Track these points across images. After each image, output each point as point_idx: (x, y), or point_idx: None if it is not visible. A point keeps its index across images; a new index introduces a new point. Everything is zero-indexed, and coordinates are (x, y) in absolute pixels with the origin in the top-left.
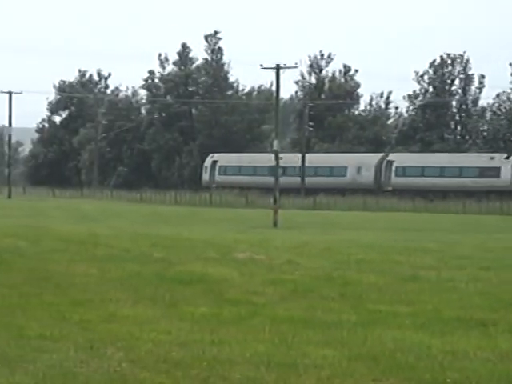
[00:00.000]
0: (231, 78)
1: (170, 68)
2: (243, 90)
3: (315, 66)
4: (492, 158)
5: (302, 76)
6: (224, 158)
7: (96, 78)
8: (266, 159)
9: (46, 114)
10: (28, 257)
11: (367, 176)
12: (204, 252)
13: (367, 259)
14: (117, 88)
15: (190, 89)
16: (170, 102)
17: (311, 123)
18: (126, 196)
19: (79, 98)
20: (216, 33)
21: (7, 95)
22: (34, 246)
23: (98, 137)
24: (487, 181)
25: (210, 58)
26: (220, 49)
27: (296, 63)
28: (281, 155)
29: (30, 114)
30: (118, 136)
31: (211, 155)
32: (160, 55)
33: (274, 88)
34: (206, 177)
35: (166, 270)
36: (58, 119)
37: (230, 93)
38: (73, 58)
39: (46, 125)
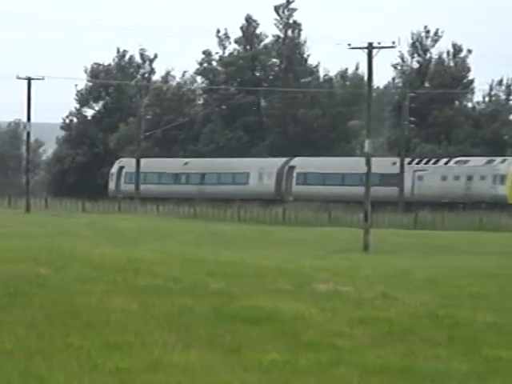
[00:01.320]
0: (310, 61)
1: (231, 48)
2: (325, 76)
3: (418, 46)
4: (394, 164)
5: (402, 58)
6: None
7: (138, 59)
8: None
9: (74, 105)
10: (51, 287)
11: (268, 184)
12: (274, 282)
13: (482, 293)
14: (165, 73)
15: (258, 74)
16: (231, 91)
17: (412, 118)
18: (176, 211)
19: (117, 86)
20: (289, 2)
21: (25, 82)
22: (58, 273)
23: (141, 135)
24: (387, 190)
25: (282, 35)
26: (295, 23)
27: (393, 42)
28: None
29: (54, 106)
30: (166, 134)
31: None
32: (218, 31)
33: (364, 74)
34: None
35: (225, 306)
36: (89, 113)
37: (308, 80)
38: (109, 34)
39: (75, 120)
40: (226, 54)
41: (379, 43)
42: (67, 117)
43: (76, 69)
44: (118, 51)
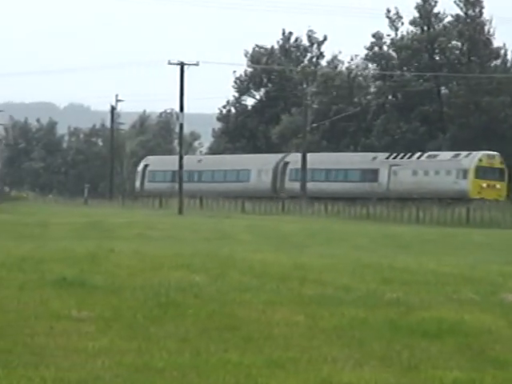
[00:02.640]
0: (495, 43)
1: (404, 29)
2: None
3: None
4: (374, 159)
5: None
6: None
7: (306, 42)
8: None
9: (232, 94)
10: (207, 298)
11: (265, 181)
12: (457, 291)
13: None
14: (334, 57)
15: (437, 58)
16: (407, 77)
17: None
18: (347, 211)
19: (281, 72)
20: None
21: (178, 68)
22: (215, 282)
23: (308, 127)
24: (367, 185)
25: (463, 14)
26: (477, 0)
27: None
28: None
29: (210, 94)
30: (335, 126)
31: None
32: (389, 11)
33: None
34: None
35: (402, 318)
36: (249, 102)
37: (493, 64)
38: (273, 14)
39: (233, 110)
40: (398, 36)
41: None
42: (224, 107)
43: (235, 53)
44: (284, 33)
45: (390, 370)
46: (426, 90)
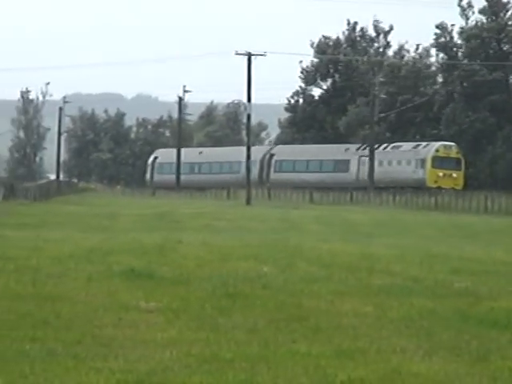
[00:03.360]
0: None
1: (473, 19)
2: None
3: None
4: (346, 150)
5: None
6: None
7: (372, 32)
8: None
9: (299, 84)
10: (275, 288)
11: (253, 172)
12: None
13: None
14: (398, 48)
15: (505, 48)
16: (475, 67)
17: None
18: (414, 202)
19: (347, 62)
20: None
21: (245, 58)
22: (283, 272)
23: (375, 117)
24: (340, 175)
25: None
26: None
27: None
28: None
29: (277, 85)
30: (401, 116)
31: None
32: (461, 0)
33: None
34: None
35: (471, 308)
36: (316, 92)
37: None
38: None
39: (300, 100)
40: (468, 25)
41: None
42: (292, 97)
43: (301, 43)
44: (349, 23)
45: (459, 360)
46: (495, 80)
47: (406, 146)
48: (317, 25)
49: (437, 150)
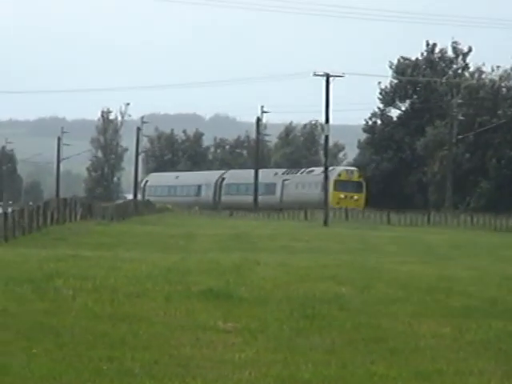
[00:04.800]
0: None
1: None
2: None
3: None
4: (275, 174)
5: None
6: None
7: (451, 53)
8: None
9: (377, 105)
10: (353, 309)
11: (209, 195)
12: None
13: None
14: (478, 69)
15: None
16: None
17: None
18: (492, 224)
19: (426, 83)
20: None
21: (323, 79)
22: (361, 293)
23: (453, 139)
24: (268, 198)
25: None
26: None
27: None
28: None
29: (355, 106)
30: (479, 138)
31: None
32: None
33: None
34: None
35: None
36: (394, 113)
37: None
38: (417, 25)
39: (378, 121)
40: None
41: None
42: (370, 118)
43: (379, 64)
44: (428, 44)
45: None
46: None
47: (317, 170)
48: (395, 46)
49: (339, 175)
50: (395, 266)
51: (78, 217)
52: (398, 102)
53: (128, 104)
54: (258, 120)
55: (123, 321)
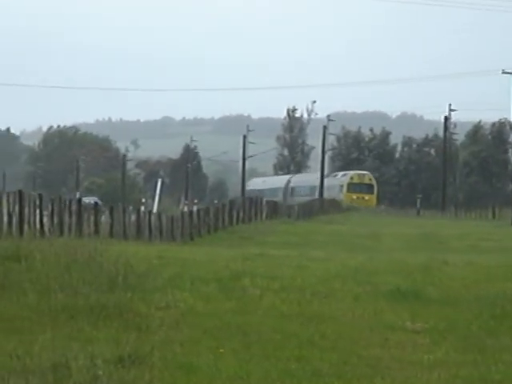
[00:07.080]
0: None
1: None
2: None
3: None
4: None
5: None
6: None
7: None
8: None
9: None
10: None
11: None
12: None
13: None
14: None
15: None
16: None
17: None
18: None
19: None
20: None
21: (506, 76)
22: None
23: None
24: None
25: None
26: None
27: None
28: None
29: None
30: None
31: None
32: None
33: None
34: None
35: None
36: None
37: None
38: None
39: None
40: None
41: None
42: None
43: None
44: None
45: None
46: None
47: (340, 174)
48: None
49: (351, 178)
50: None
51: (264, 215)
52: None
53: (314, 102)
54: (446, 119)
55: (311, 321)
